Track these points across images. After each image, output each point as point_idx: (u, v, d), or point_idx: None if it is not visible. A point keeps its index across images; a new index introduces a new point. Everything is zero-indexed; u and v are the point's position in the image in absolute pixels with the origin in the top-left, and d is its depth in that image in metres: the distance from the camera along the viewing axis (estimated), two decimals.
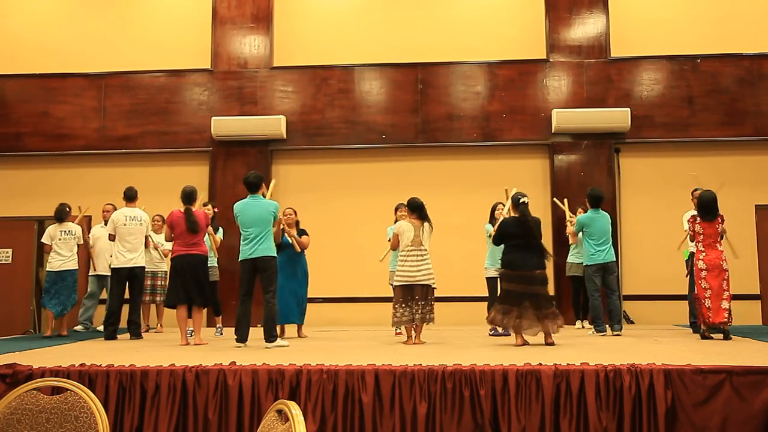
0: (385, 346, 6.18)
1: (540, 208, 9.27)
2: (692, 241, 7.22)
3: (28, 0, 10.53)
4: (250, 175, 6.39)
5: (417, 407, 4.08)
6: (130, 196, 7.59)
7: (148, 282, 8.28)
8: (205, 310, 6.77)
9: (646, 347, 5.79)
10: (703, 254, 6.68)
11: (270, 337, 6.07)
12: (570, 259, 8.51)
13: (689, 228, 6.90)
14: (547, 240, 9.23)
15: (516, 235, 6.16)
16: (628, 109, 9.33)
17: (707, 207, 6.70)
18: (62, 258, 7.91)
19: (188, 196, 6.64)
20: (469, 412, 4.07)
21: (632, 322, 9.16)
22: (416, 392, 4.11)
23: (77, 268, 8.02)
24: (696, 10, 9.86)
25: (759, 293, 9.15)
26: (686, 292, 7.65)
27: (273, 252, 6.24)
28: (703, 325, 6.59)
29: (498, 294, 7.19)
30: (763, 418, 3.98)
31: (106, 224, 8.16)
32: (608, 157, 9.53)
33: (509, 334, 7.20)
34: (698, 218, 6.77)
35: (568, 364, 4.20)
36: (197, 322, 6.59)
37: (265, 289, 6.18)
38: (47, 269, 8.00)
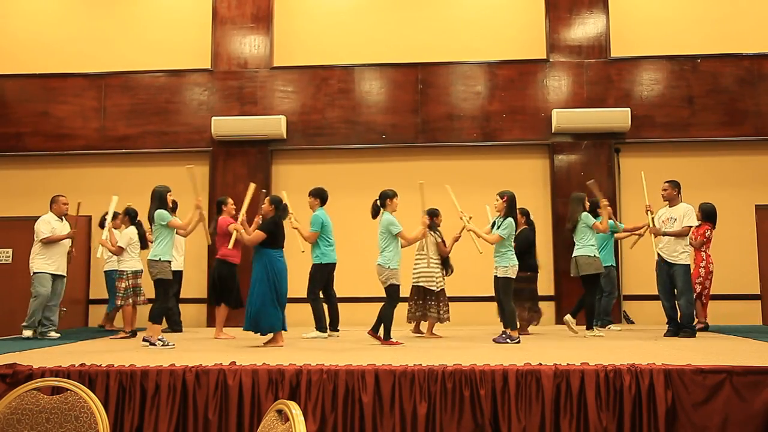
0: (385, 346, 6.19)
1: (540, 208, 9.28)
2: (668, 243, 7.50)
3: (28, 0, 10.52)
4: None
5: (417, 407, 4.08)
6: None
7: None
8: (221, 307, 7.49)
9: (646, 347, 5.80)
10: (710, 258, 7.65)
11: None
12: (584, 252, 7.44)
13: (709, 235, 7.67)
14: (548, 240, 9.30)
15: (532, 243, 7.55)
16: (628, 109, 9.32)
17: (715, 216, 7.73)
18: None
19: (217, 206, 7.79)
20: (469, 412, 4.07)
21: (632, 322, 9.15)
22: (416, 392, 4.11)
23: (112, 268, 8.35)
24: (696, 10, 9.85)
25: (759, 293, 9.14)
26: None
27: None
28: (702, 321, 7.58)
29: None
30: (763, 418, 3.99)
31: (59, 218, 7.86)
32: (608, 157, 9.52)
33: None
34: (712, 226, 7.67)
35: (568, 364, 4.20)
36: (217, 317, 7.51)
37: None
38: None
